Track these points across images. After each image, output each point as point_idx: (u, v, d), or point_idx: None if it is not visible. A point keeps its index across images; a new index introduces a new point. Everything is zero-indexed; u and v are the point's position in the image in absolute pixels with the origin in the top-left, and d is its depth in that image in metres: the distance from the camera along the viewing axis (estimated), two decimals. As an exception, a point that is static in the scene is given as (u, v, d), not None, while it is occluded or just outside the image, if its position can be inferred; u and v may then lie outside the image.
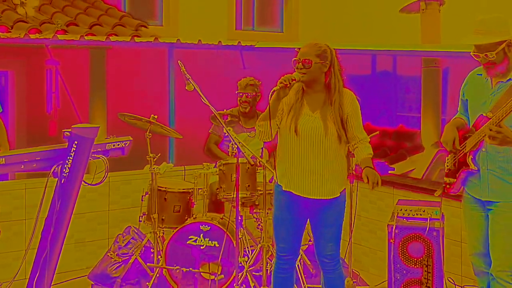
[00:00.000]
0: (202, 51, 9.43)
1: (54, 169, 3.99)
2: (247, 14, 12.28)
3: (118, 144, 4.48)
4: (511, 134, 3.81)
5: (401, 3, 10.40)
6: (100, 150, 4.32)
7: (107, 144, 4.40)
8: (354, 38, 10.81)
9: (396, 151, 10.24)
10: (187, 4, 11.00)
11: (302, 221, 4.40)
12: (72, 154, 3.98)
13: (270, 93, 4.09)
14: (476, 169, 4.05)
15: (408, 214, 4.89)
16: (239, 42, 9.60)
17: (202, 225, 5.33)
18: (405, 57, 10.19)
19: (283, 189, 4.29)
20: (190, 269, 5.25)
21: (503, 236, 3.99)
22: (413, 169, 9.74)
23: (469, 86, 4.21)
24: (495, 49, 3.88)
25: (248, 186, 5.34)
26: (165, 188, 5.53)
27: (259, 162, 5.23)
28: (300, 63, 4.18)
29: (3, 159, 3.80)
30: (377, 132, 5.56)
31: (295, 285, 5.00)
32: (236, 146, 4.92)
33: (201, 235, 5.33)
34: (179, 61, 4.74)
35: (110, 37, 8.54)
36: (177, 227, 5.40)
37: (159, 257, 5.45)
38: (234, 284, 4.93)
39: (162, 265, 5.36)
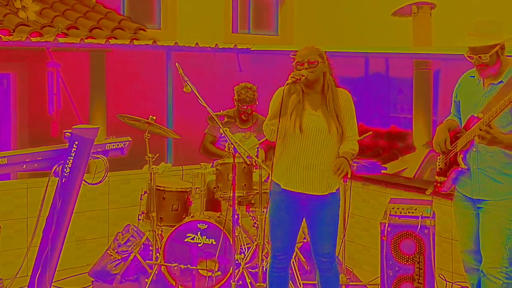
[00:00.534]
0: (199, 54, 9.42)
1: (55, 169, 4.00)
2: (243, 18, 12.28)
3: (118, 145, 4.48)
4: (500, 134, 3.82)
5: (393, 7, 10.40)
6: (100, 150, 4.33)
7: (107, 145, 4.40)
8: (348, 41, 10.81)
9: (388, 151, 10.25)
10: (184, 8, 10.99)
11: (298, 221, 4.40)
12: (73, 154, 3.98)
13: (283, 89, 4.07)
14: (466, 168, 4.06)
15: (400, 212, 4.89)
16: (235, 45, 9.59)
17: (199, 223, 5.33)
18: (397, 59, 10.20)
19: (282, 187, 4.29)
20: (188, 266, 5.24)
21: (493, 234, 3.99)
22: (405, 169, 9.74)
23: (461, 88, 4.22)
24: (489, 51, 3.90)
25: (244, 185, 5.35)
26: (164, 187, 5.53)
27: (255, 162, 5.24)
28: (306, 63, 4.19)
29: (6, 159, 3.80)
30: (370, 133, 5.57)
31: (290, 282, 5.01)
32: (232, 146, 4.92)
33: (199, 233, 5.33)
34: (177, 64, 4.74)
35: (110, 40, 8.52)
36: (175, 225, 5.40)
37: (158, 254, 5.45)
38: (231, 281, 4.93)
39: (160, 262, 5.35)
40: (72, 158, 3.99)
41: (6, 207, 5.71)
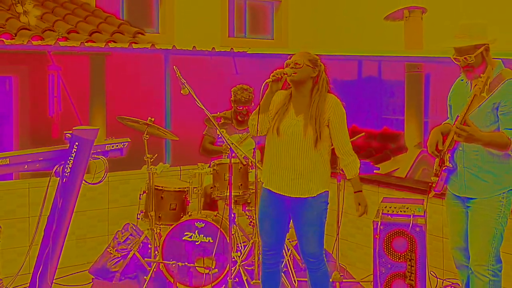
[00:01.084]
0: (197, 57, 9.42)
1: (56, 169, 3.99)
2: (239, 22, 12.29)
3: (117, 145, 4.48)
4: (477, 132, 3.82)
5: (385, 11, 10.43)
6: (99, 151, 4.33)
7: (107, 145, 4.40)
8: (341, 45, 10.83)
9: (381, 152, 10.27)
10: (182, 12, 11.00)
11: (284, 217, 4.37)
12: (73, 155, 3.98)
13: (262, 86, 4.10)
14: (452, 166, 4.07)
15: (393, 211, 4.88)
16: (231, 48, 9.59)
17: (197, 222, 5.33)
18: (390, 62, 10.22)
19: (263, 186, 4.34)
20: (186, 263, 5.25)
21: (480, 231, 4.00)
22: (397, 169, 9.76)
23: (453, 92, 4.24)
24: (474, 52, 3.92)
25: (241, 185, 5.35)
26: (162, 187, 5.53)
27: (251, 162, 5.24)
28: (292, 63, 4.20)
29: (8, 159, 3.80)
30: (363, 134, 5.58)
31: (285, 279, 5.02)
32: (229, 147, 4.93)
33: (196, 231, 5.33)
34: (174, 67, 4.74)
35: (109, 43, 8.52)
36: (173, 224, 5.40)
37: (156, 252, 5.45)
38: (228, 278, 4.94)
39: (159, 260, 5.35)
40: (73, 159, 3.98)
41: (8, 206, 5.70)
